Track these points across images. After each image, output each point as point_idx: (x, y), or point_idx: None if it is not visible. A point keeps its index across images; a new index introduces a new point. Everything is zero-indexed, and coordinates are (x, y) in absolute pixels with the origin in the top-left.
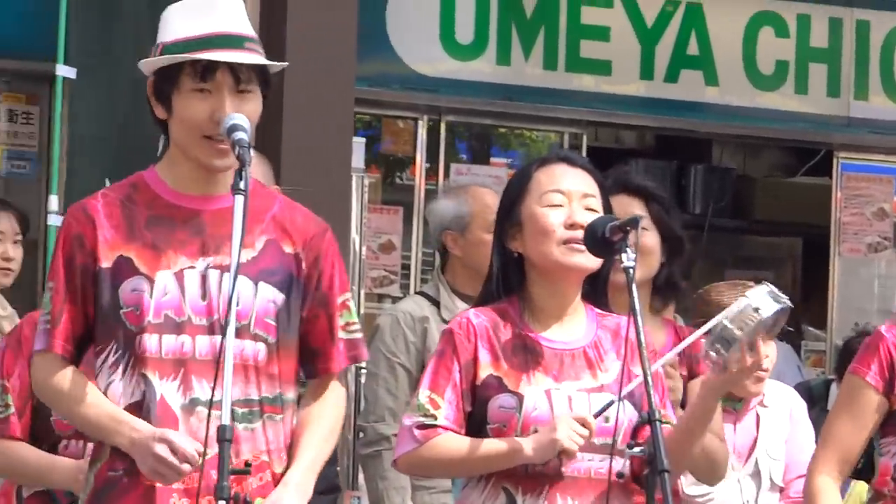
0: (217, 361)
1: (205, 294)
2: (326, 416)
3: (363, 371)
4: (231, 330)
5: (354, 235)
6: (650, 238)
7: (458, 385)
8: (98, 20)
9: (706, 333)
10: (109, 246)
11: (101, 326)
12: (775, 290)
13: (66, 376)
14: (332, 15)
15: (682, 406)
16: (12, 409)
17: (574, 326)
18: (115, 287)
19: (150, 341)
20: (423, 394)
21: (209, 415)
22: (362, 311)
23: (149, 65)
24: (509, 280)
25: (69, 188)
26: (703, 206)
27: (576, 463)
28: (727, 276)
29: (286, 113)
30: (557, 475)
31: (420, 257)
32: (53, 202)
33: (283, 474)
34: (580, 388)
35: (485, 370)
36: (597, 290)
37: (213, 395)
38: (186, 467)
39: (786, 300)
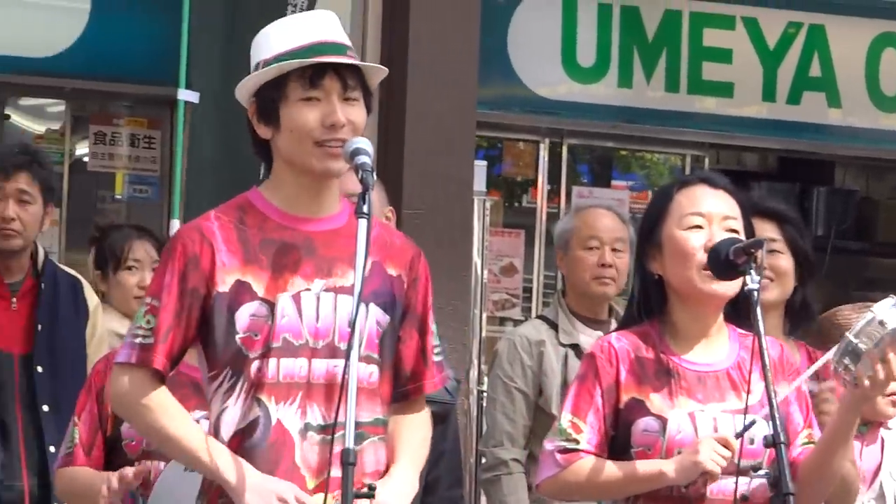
0: (341, 385)
1: (318, 317)
2: (419, 426)
3: (483, 394)
4: (355, 353)
5: (476, 258)
6: (784, 261)
7: (600, 409)
8: (218, 45)
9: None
10: (227, 270)
11: (214, 352)
12: None
13: (163, 395)
14: (455, 38)
15: None
16: (76, 443)
17: (716, 348)
18: (232, 312)
19: (268, 366)
20: (565, 418)
21: (332, 438)
22: (483, 334)
23: (253, 80)
24: (650, 302)
25: (190, 212)
26: (826, 228)
27: (719, 485)
28: (851, 298)
29: (408, 136)
30: (700, 497)
31: (542, 280)
32: (175, 226)
33: None
34: (725, 409)
35: (627, 393)
36: (739, 312)
37: (335, 418)
38: None
39: None
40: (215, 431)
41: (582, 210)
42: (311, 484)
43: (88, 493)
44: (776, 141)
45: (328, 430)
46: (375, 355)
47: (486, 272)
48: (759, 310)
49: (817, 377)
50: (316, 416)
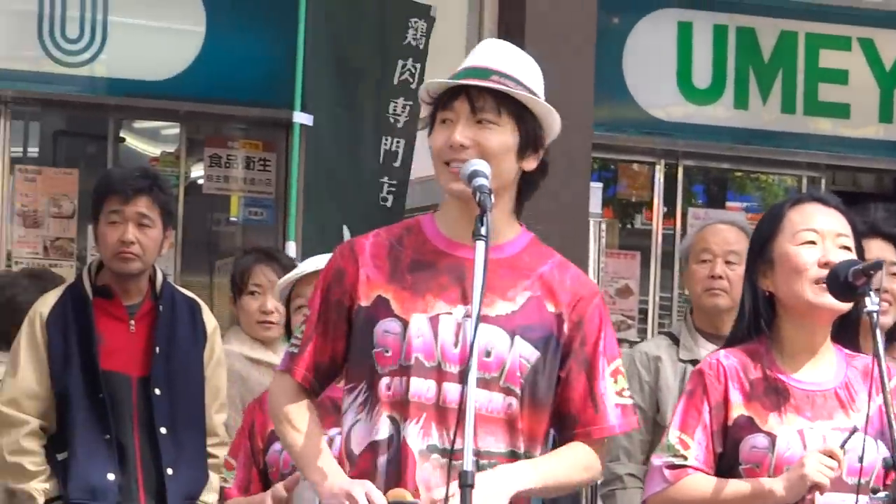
0: (460, 409)
1: (457, 342)
2: (576, 448)
3: None
4: (472, 378)
5: (591, 278)
6: None
7: (708, 426)
8: (333, 67)
9: None
10: (370, 285)
11: (353, 365)
12: None
13: (297, 404)
14: (570, 61)
15: None
16: (229, 484)
17: (824, 366)
18: (370, 327)
19: (397, 384)
20: (673, 434)
21: (450, 462)
22: None
23: (424, 110)
24: (760, 319)
25: (305, 234)
26: None
27: (827, 501)
28: None
29: None
30: None
31: (657, 301)
32: (291, 248)
33: None
34: (834, 427)
35: (736, 410)
36: (846, 331)
37: (453, 443)
38: None
39: None
40: (346, 443)
41: (703, 226)
42: None
43: None
44: (892, 162)
45: (449, 453)
46: (515, 388)
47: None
48: (878, 331)
49: None
50: (440, 439)
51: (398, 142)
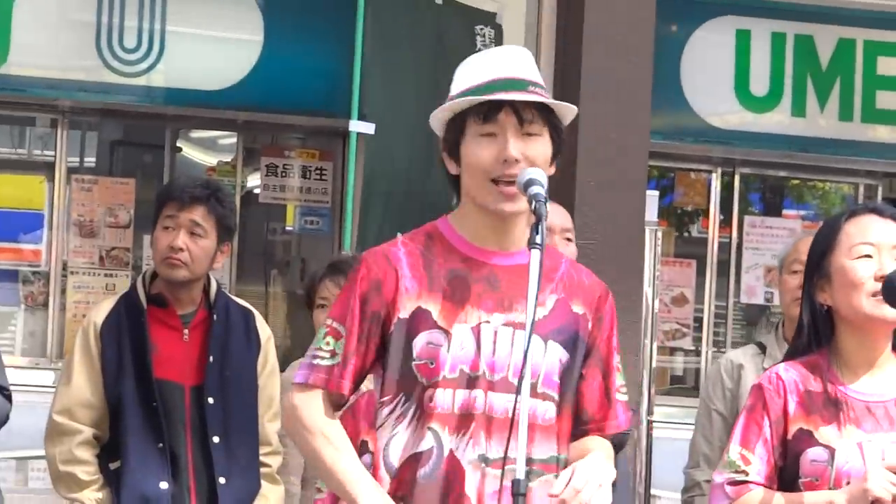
0: (511, 419)
1: (496, 350)
2: (602, 442)
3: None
4: (526, 385)
5: (647, 288)
6: None
7: (768, 440)
8: (389, 77)
9: None
10: (409, 296)
11: (390, 378)
12: None
13: (330, 419)
14: (628, 67)
15: None
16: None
17: (884, 378)
18: (410, 338)
19: (443, 395)
20: (734, 450)
21: (503, 472)
22: (654, 364)
23: (436, 118)
24: (819, 333)
25: (362, 244)
26: None
27: None
28: None
29: (580, 165)
30: None
31: (712, 310)
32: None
33: None
34: (894, 440)
35: (795, 424)
36: None
37: (506, 452)
38: None
39: None
40: (384, 457)
41: (801, 237)
42: None
43: None
44: None
45: (499, 463)
46: (554, 393)
47: (656, 302)
48: None
49: None
50: (488, 448)
51: None
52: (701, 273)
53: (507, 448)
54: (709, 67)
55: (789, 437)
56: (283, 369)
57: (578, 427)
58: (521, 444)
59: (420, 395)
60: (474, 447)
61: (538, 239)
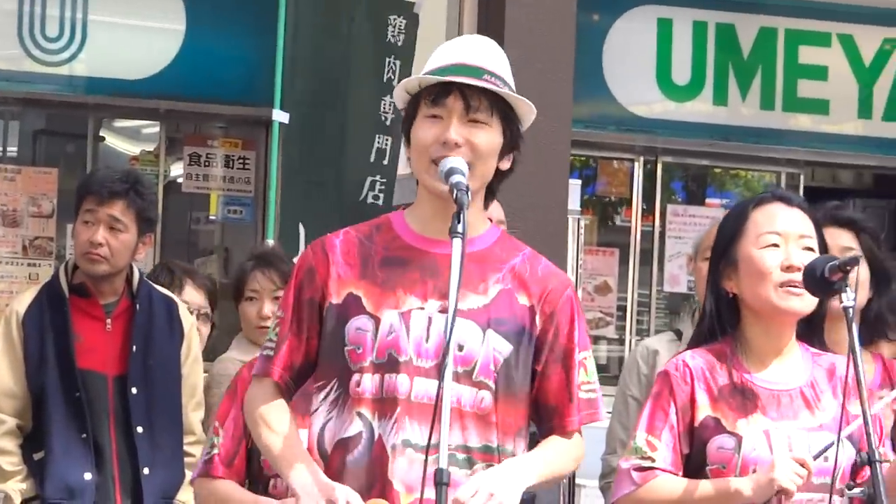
0: (435, 405)
1: (429, 336)
2: (567, 446)
3: None
4: (449, 372)
5: (570, 277)
6: (861, 271)
7: (675, 427)
8: (312, 65)
9: None
10: (341, 283)
11: (324, 363)
12: None
13: (272, 405)
14: (550, 57)
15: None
16: (217, 450)
17: (790, 366)
18: (342, 324)
19: (368, 380)
20: (641, 436)
21: (426, 458)
22: None
23: (396, 98)
24: (723, 320)
25: (284, 232)
26: None
27: (794, 502)
28: None
29: None
30: None
31: (636, 299)
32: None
33: None
34: (799, 427)
35: (702, 412)
36: (812, 329)
37: (429, 439)
38: None
39: None
40: (318, 441)
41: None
42: (404, 501)
43: None
44: (872, 158)
45: (424, 449)
46: (489, 381)
47: (580, 291)
48: (854, 327)
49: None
50: (414, 434)
51: (387, 140)
52: (624, 262)
53: (430, 434)
54: (631, 56)
55: (696, 424)
56: (209, 359)
57: (543, 423)
58: (443, 432)
59: (348, 379)
60: (398, 432)
61: (459, 228)
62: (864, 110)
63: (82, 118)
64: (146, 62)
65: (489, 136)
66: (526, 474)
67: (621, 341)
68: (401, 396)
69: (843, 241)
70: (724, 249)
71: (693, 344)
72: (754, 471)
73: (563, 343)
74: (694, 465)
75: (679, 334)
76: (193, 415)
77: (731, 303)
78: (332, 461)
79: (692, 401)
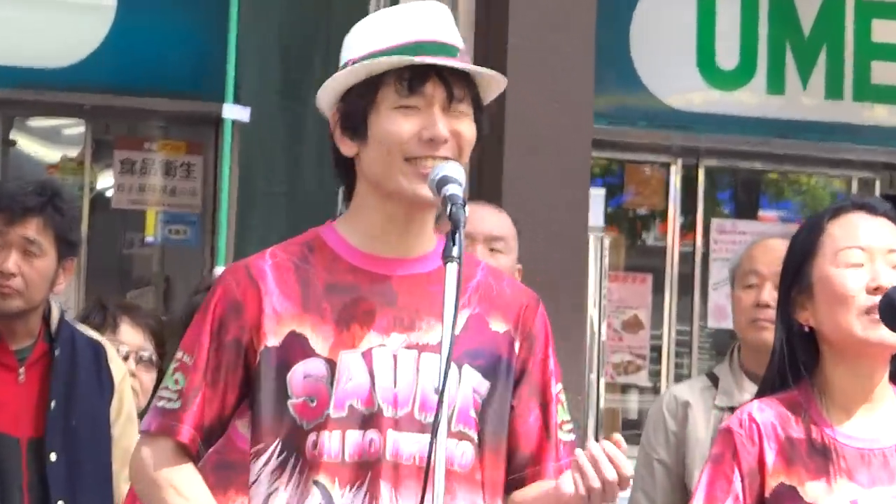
0: (426, 467)
1: (396, 380)
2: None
3: None
4: (443, 427)
5: (592, 310)
6: None
7: (739, 498)
8: (275, 49)
9: None
10: (278, 319)
11: (262, 421)
12: None
13: (181, 468)
14: (563, 36)
15: None
16: None
17: (883, 417)
18: (283, 371)
19: (329, 440)
20: None
21: None
22: (602, 404)
23: (331, 87)
24: (797, 361)
25: (239, 258)
26: None
27: None
28: None
29: (507, 156)
30: None
31: (673, 337)
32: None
33: None
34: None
35: (774, 478)
36: None
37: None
38: None
39: None
40: None
41: (756, 241)
42: None
43: None
44: None
45: None
46: (472, 432)
47: (604, 327)
48: None
49: None
50: (391, 500)
51: None
52: (658, 290)
53: (422, 501)
54: (664, 35)
55: (767, 494)
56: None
57: (515, 472)
58: (437, 497)
59: (300, 441)
60: (371, 502)
61: (455, 251)
62: None
63: None
64: (67, 46)
65: (470, 126)
66: None
67: (656, 390)
68: (371, 458)
69: None
70: (795, 271)
71: (762, 392)
72: None
73: (538, 374)
74: None
75: (715, 380)
76: (126, 486)
77: (806, 338)
78: None
79: (761, 464)
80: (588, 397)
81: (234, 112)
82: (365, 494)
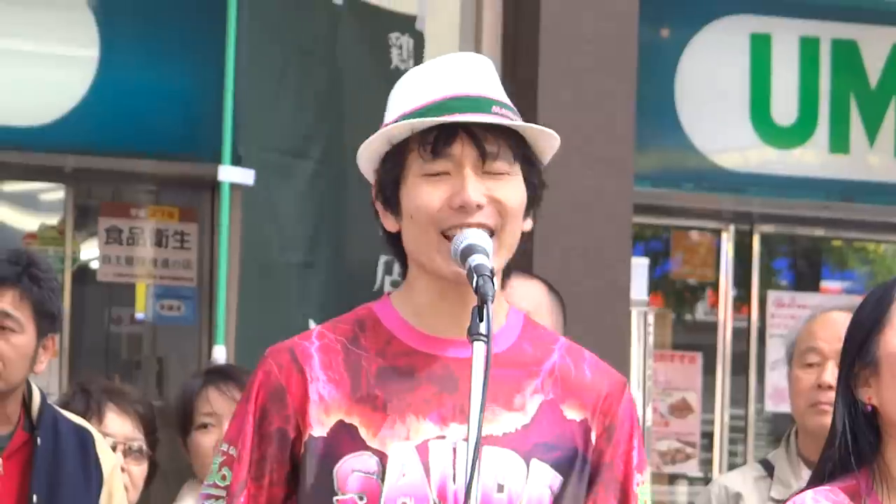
0: None
1: (456, 474)
2: None
3: None
4: None
5: (636, 392)
6: None
7: None
8: (273, 104)
9: None
10: (325, 408)
11: None
12: None
13: None
14: (603, 86)
15: None
16: None
17: None
18: (330, 464)
19: None
20: None
21: None
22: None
23: (365, 156)
24: (859, 444)
25: (241, 337)
26: None
27: None
28: None
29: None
30: None
31: (727, 422)
32: (220, 354)
33: None
34: None
35: None
36: None
37: None
38: None
39: None
40: None
41: (816, 314)
42: None
43: None
44: None
45: None
46: None
47: (649, 411)
48: None
49: None
50: None
51: None
52: (710, 371)
53: None
54: (715, 86)
55: None
56: None
57: None
58: None
59: None
60: None
61: (482, 328)
62: None
63: None
64: (43, 103)
65: (515, 191)
66: None
67: (706, 481)
68: None
69: None
70: (860, 346)
71: (818, 478)
72: None
73: (620, 467)
74: None
75: (770, 469)
76: None
77: (869, 419)
78: None
79: None
80: None
81: (232, 174)
82: None
